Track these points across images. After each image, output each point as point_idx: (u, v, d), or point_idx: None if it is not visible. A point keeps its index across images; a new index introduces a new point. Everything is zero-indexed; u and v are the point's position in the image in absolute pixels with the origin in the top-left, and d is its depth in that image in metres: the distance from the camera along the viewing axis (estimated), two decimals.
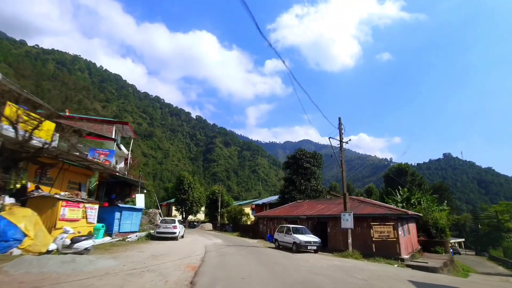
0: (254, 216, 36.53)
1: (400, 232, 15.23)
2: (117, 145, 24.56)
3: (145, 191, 28.77)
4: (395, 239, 14.71)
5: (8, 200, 10.33)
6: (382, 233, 15.01)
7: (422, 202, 25.42)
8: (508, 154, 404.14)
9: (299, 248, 15.29)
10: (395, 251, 14.66)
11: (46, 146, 10.77)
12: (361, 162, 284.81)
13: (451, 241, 37.98)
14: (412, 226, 19.33)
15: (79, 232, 11.51)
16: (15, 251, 8.66)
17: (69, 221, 11.78)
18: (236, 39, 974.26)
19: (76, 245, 9.49)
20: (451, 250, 27.43)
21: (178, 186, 50.48)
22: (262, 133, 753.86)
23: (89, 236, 10.93)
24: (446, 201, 35.58)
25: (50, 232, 10.55)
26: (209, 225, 47.69)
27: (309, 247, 15.51)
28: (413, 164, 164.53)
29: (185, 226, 31.64)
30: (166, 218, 24.20)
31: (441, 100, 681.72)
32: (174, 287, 6.17)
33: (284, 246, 16.83)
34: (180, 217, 46.01)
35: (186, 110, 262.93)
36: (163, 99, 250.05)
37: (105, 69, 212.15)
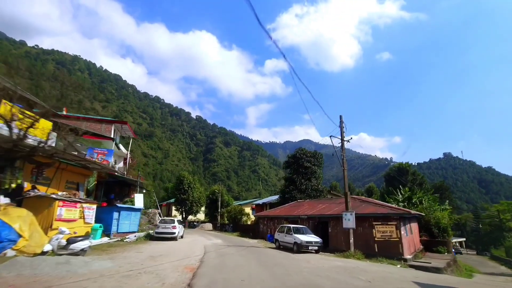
0: (254, 216, 36.31)
1: (402, 232, 15.00)
2: (116, 144, 24.34)
3: (144, 191, 28.52)
4: (397, 239, 14.45)
5: (3, 200, 10.08)
6: (384, 233, 14.74)
7: (423, 202, 25.24)
8: (508, 154, 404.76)
9: (300, 248, 15.07)
10: (398, 251, 14.45)
11: (42, 145, 10.54)
12: (361, 162, 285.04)
13: (453, 240, 37.78)
14: (414, 226, 19.10)
15: (75, 233, 11.25)
16: (9, 252, 8.41)
17: (66, 221, 11.54)
18: (236, 39, 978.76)
19: (72, 246, 9.27)
20: (453, 250, 27.21)
21: (178, 186, 50.27)
22: (262, 133, 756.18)
23: (86, 236, 10.69)
24: (448, 201, 35.33)
25: (46, 232, 10.29)
26: (209, 225, 47.44)
27: (310, 247, 15.29)
28: (413, 163, 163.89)
29: (184, 226, 31.45)
30: (165, 218, 23.98)
31: (441, 99, 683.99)
32: None
33: (284, 246, 16.61)
34: (180, 217, 45.83)
35: (186, 110, 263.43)
36: (163, 99, 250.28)
37: (105, 69, 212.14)
